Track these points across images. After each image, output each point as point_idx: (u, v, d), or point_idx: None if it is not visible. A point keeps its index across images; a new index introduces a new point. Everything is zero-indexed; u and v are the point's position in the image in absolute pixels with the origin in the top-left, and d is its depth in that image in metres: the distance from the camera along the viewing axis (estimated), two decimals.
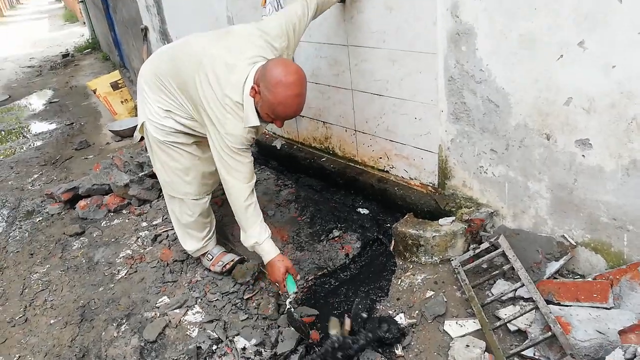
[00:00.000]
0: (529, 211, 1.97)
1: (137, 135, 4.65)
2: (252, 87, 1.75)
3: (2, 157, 4.84)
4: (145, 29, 4.44)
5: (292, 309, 1.88)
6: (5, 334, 2.32)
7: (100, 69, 8.45)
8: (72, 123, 5.64)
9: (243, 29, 1.97)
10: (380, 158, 2.58)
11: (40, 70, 9.26)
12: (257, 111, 1.80)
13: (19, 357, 2.16)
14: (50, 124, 5.79)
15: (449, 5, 1.90)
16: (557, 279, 1.84)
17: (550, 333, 1.56)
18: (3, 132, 5.71)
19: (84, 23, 14.32)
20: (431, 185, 2.36)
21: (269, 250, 1.95)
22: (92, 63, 9.24)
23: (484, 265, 2.02)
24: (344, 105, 2.64)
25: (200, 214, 2.30)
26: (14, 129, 5.79)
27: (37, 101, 7.06)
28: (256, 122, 1.81)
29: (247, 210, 1.93)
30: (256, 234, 1.95)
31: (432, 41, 2.02)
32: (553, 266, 1.86)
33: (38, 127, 5.77)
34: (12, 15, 27.15)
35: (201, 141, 2.12)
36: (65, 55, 10.18)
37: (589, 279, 1.76)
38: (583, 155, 1.72)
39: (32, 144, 5.13)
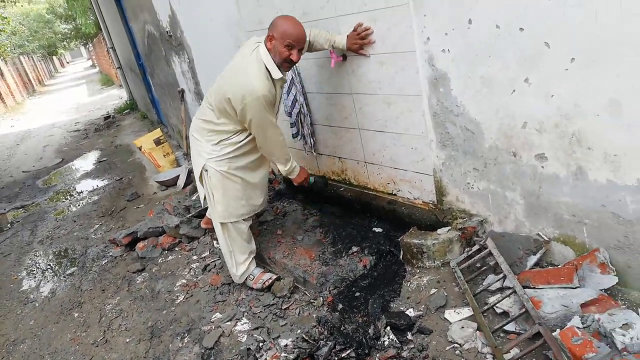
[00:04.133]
0: (509, 216, 2.39)
1: (180, 184, 5.27)
2: (269, 38, 2.43)
3: (64, 213, 5.52)
4: (182, 91, 5.10)
5: (315, 179, 3.07)
6: (91, 352, 2.83)
7: (140, 127, 9.29)
8: (121, 178, 6.33)
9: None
10: (388, 184, 3.04)
11: (86, 133, 10.20)
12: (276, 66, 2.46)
13: None
14: (102, 180, 6.50)
15: (426, 57, 2.39)
16: (535, 269, 2.23)
17: (524, 309, 1.95)
18: (62, 191, 6.45)
19: (120, 85, 15.57)
20: (431, 202, 2.79)
21: (300, 167, 2.87)
22: (132, 122, 10.13)
23: (478, 264, 2.42)
24: (354, 142, 3.14)
25: (244, 237, 2.83)
26: (71, 188, 6.53)
27: (87, 161, 7.86)
28: (278, 74, 2.45)
29: (284, 144, 2.72)
30: (294, 162, 2.81)
31: (417, 86, 2.51)
32: (532, 259, 2.25)
33: (92, 184, 6.47)
34: (53, 84, 29.36)
35: (251, 161, 2.76)
36: (107, 117, 11.16)
37: (559, 267, 2.14)
38: (542, 167, 2.14)
39: (89, 199, 5.81)
